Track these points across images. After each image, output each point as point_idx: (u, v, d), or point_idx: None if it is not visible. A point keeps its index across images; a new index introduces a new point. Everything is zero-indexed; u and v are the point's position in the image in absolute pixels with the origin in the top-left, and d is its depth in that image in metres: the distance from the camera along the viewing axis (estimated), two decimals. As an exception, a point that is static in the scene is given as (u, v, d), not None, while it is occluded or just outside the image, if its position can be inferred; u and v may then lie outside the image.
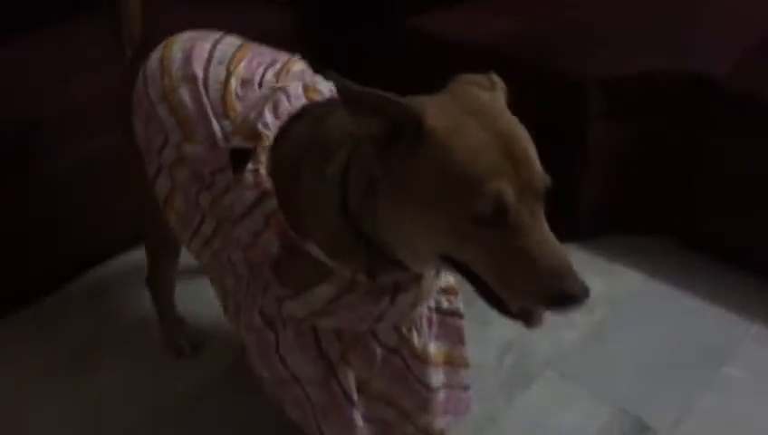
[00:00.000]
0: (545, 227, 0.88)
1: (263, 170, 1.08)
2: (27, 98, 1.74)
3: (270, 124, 1.11)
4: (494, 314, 1.70)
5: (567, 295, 0.83)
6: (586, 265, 1.88)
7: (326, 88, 1.21)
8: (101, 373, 1.67)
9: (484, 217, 0.84)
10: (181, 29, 1.43)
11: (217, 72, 1.26)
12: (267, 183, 1.07)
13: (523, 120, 1.95)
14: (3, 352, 1.72)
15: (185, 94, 1.25)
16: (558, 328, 1.73)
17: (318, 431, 1.21)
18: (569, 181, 1.91)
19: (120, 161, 1.47)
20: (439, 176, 0.86)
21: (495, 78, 1.00)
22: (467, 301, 1.74)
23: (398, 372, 1.22)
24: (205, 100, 1.23)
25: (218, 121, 1.19)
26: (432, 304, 1.23)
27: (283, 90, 1.17)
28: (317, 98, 1.17)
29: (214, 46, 1.32)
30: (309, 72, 1.31)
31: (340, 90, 0.87)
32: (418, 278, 1.08)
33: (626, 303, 1.82)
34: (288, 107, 1.13)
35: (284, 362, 1.15)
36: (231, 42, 1.36)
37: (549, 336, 1.72)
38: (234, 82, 1.23)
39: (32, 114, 1.73)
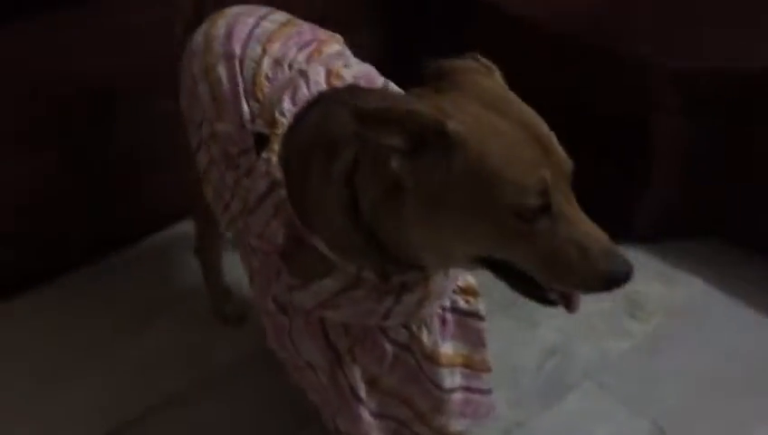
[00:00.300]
0: (580, 210, 0.86)
1: (274, 159, 1.06)
2: (96, 62, 1.76)
3: (286, 111, 1.09)
4: (541, 317, 1.66)
5: (619, 276, 0.84)
6: (645, 269, 1.78)
7: (350, 74, 1.17)
8: (148, 338, 1.70)
9: (531, 211, 0.82)
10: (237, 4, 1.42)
11: (254, 51, 1.24)
12: (277, 173, 1.05)
13: (585, 107, 1.84)
14: (55, 313, 1.78)
15: (222, 72, 1.25)
16: (608, 337, 1.64)
17: (332, 421, 1.20)
18: (631, 178, 1.80)
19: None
20: (477, 181, 0.83)
21: (484, 60, 0.96)
22: (512, 302, 1.69)
23: (411, 371, 1.19)
24: (239, 79, 1.22)
25: (247, 102, 1.18)
26: (447, 303, 1.18)
27: (305, 74, 1.14)
28: (338, 84, 1.14)
29: (257, 23, 1.30)
30: (344, 55, 1.27)
31: (352, 111, 0.84)
32: (426, 278, 1.04)
33: (684, 313, 1.70)
34: (306, 93, 1.10)
35: (297, 348, 1.15)
36: (276, 18, 1.33)
37: (596, 345, 1.63)
38: (266, 62, 1.21)
39: (99, 79, 1.76)
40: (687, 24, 1.77)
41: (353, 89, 1.13)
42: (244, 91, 1.19)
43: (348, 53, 1.30)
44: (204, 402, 1.56)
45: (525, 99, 2.01)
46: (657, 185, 1.79)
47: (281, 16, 1.36)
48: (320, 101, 1.10)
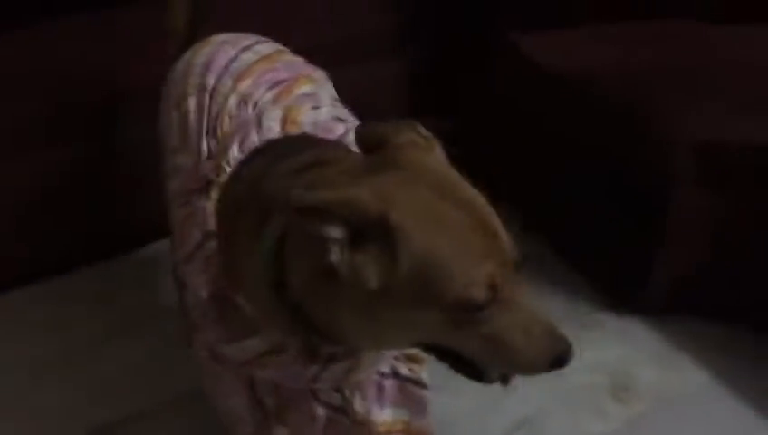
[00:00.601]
0: (523, 292, 0.83)
1: (210, 208, 1.01)
2: (119, 69, 1.79)
3: (231, 157, 1.04)
4: (518, 383, 1.56)
5: (562, 357, 0.82)
6: (641, 347, 1.67)
7: (310, 119, 1.12)
8: (143, 344, 1.68)
9: (478, 305, 0.78)
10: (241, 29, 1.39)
11: (225, 85, 1.21)
12: (211, 224, 1.00)
13: (602, 162, 1.74)
14: (54, 309, 1.79)
15: (192, 104, 1.22)
16: (584, 416, 1.53)
17: None
18: (643, 248, 1.69)
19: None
20: (422, 274, 0.77)
21: (424, 131, 0.88)
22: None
23: (345, 434, 1.13)
24: (205, 113, 1.18)
25: (208, 140, 1.14)
26: (387, 369, 1.11)
27: (259, 119, 1.09)
28: (294, 131, 1.08)
29: (237, 55, 1.27)
30: (316, 96, 1.22)
31: (289, 203, 0.78)
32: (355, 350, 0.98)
33: (676, 401, 1.56)
34: (255, 140, 1.05)
35: (226, 400, 1.11)
36: (259, 50, 1.30)
37: (570, 422, 1.52)
38: (233, 99, 1.17)
39: (121, 85, 1.78)
40: (713, 92, 1.65)
41: (302, 140, 1.07)
42: (207, 127, 1.16)
43: (323, 93, 1.25)
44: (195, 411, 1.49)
45: (540, 144, 1.91)
46: (669, 253, 1.67)
47: (266, 48, 1.32)
48: (265, 151, 1.04)
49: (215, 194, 1.02)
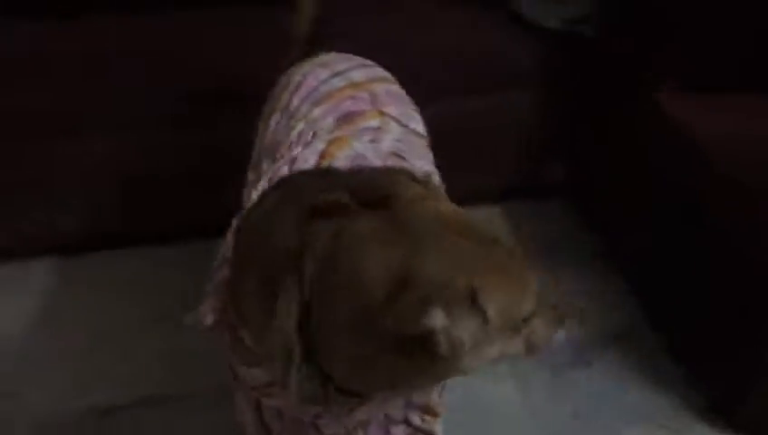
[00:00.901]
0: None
1: (228, 236, 1.00)
2: (244, 65, 1.81)
3: (260, 187, 1.03)
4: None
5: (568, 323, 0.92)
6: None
7: (349, 154, 1.07)
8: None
9: (534, 311, 0.84)
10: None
11: (302, 109, 1.21)
12: (228, 251, 0.98)
13: (718, 252, 1.58)
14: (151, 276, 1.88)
15: (274, 122, 1.24)
16: None
17: None
18: (750, 353, 1.48)
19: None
20: (505, 313, 0.80)
21: (420, 177, 0.89)
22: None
23: None
24: (277, 135, 1.20)
25: (270, 160, 1.16)
26: (398, 416, 1.09)
27: (297, 153, 1.07)
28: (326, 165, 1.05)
29: (327, 78, 1.27)
30: (382, 129, 1.17)
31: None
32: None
33: None
34: (285, 172, 1.03)
35: (242, 414, 1.14)
36: (351, 76, 1.28)
37: None
38: (300, 126, 1.17)
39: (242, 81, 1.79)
40: None
41: (322, 177, 0.99)
42: (274, 148, 1.17)
43: (393, 126, 1.19)
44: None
45: (658, 209, 1.70)
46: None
47: (360, 74, 1.29)
48: (284, 184, 0.98)
49: (236, 221, 1.01)
